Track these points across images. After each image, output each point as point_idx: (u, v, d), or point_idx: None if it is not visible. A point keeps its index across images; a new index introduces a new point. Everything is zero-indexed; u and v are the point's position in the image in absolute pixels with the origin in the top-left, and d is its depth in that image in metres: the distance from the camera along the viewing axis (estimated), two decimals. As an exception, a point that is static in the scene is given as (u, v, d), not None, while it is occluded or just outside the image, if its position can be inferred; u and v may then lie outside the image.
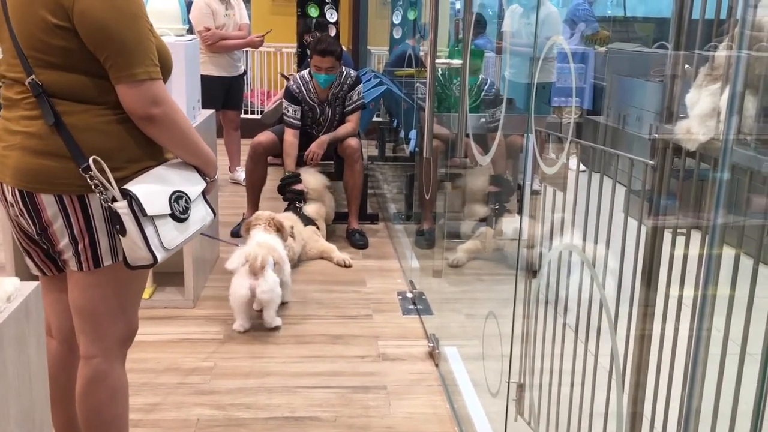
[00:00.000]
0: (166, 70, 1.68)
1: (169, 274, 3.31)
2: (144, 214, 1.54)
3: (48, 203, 1.58)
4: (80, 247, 1.60)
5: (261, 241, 3.05)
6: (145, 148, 1.63)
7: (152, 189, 1.59)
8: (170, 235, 1.61)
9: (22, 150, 1.57)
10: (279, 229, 3.30)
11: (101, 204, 1.56)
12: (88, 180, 1.53)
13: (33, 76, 1.54)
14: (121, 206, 1.54)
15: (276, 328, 3.00)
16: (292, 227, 3.64)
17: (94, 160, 1.53)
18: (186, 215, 1.65)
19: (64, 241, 1.61)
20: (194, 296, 3.21)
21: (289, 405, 2.44)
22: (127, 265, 1.60)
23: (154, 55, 1.57)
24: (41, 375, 1.38)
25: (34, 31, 1.52)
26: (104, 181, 1.53)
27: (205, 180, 1.76)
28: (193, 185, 1.70)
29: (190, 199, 1.67)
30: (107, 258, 1.63)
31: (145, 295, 3.19)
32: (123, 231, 1.55)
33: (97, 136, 1.57)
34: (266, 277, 2.87)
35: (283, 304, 3.15)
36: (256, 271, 2.86)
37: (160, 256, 1.58)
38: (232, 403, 2.44)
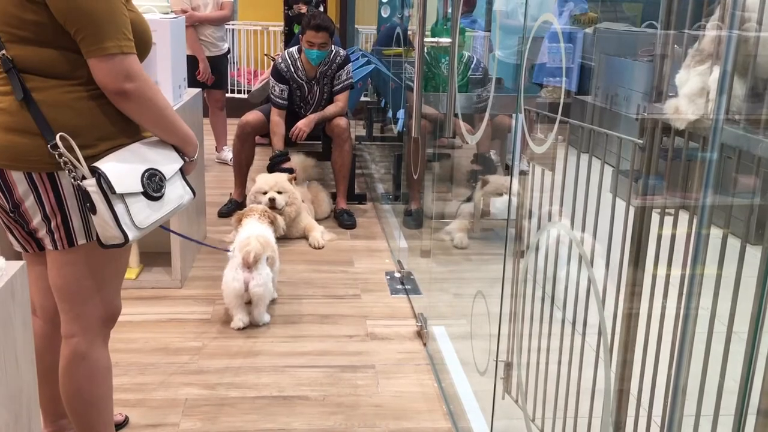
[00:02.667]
0: (144, 47, 1.66)
1: (157, 254, 3.29)
2: (113, 191, 1.52)
3: (18, 180, 1.56)
4: (53, 225, 1.59)
5: (256, 233, 2.93)
6: (118, 126, 1.61)
7: (123, 166, 1.57)
8: (143, 213, 1.59)
9: None
10: (272, 222, 3.26)
11: (71, 182, 1.55)
12: (57, 157, 1.52)
13: (3, 51, 1.52)
14: (90, 184, 1.52)
15: (264, 324, 2.88)
16: (283, 207, 3.70)
17: (61, 137, 1.51)
18: (160, 193, 1.63)
19: (36, 219, 1.60)
20: (182, 276, 3.20)
21: (278, 384, 2.45)
22: (101, 244, 1.59)
23: (128, 30, 1.54)
24: (28, 356, 1.37)
25: (5, 6, 1.51)
26: (72, 159, 1.52)
27: (184, 160, 1.74)
28: (169, 163, 1.68)
29: (164, 177, 1.64)
30: (81, 237, 1.61)
31: (132, 275, 3.17)
32: (93, 209, 1.54)
33: (67, 113, 1.55)
34: (260, 271, 2.81)
35: (272, 301, 3.04)
36: (249, 265, 2.80)
37: (132, 234, 1.56)
38: (220, 383, 2.44)
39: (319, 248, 3.77)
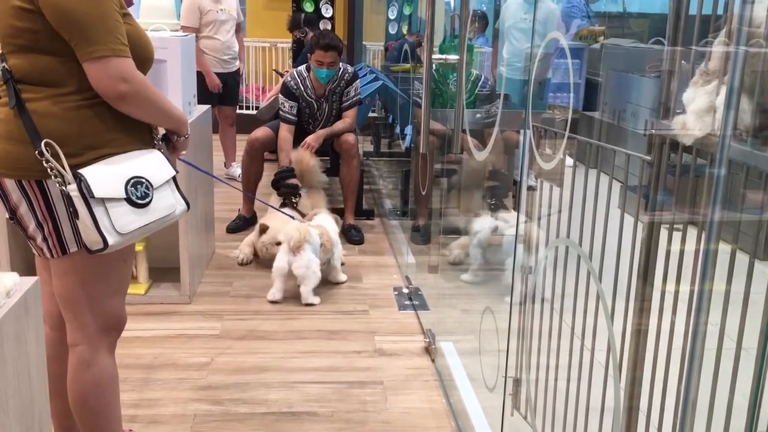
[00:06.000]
0: (144, 61, 1.70)
1: (166, 270, 3.31)
2: (91, 195, 1.55)
3: (11, 188, 1.61)
4: (46, 232, 1.63)
5: (319, 221, 3.48)
6: (106, 136, 1.64)
7: (106, 173, 1.60)
8: (124, 219, 1.60)
9: None
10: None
11: (59, 189, 1.57)
12: (44, 164, 1.54)
13: (4, 63, 1.57)
14: (72, 189, 1.55)
15: (310, 305, 3.25)
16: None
17: (47, 144, 1.54)
18: (145, 201, 1.64)
19: (31, 227, 1.64)
20: (190, 292, 3.21)
21: (287, 400, 2.45)
22: (88, 251, 1.61)
23: (121, 35, 1.57)
24: (40, 370, 1.38)
25: (6, 18, 1.55)
26: (58, 166, 1.55)
27: (179, 139, 1.83)
28: (159, 172, 1.71)
29: (151, 186, 1.67)
30: (72, 244, 1.64)
31: (141, 290, 3.19)
32: (76, 214, 1.57)
33: (56, 122, 1.58)
34: (303, 255, 3.25)
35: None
36: (294, 250, 3.24)
37: (112, 239, 1.58)
38: (229, 398, 2.44)
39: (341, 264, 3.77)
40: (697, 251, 1.31)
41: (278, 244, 3.61)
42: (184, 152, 1.91)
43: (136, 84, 1.59)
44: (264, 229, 3.67)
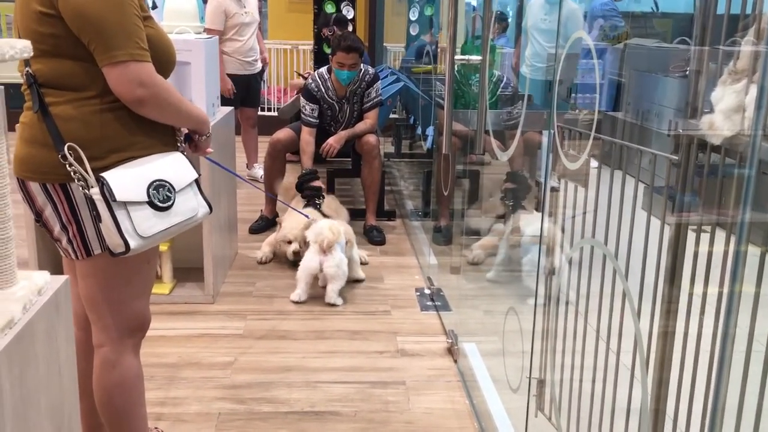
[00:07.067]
0: (166, 65, 1.72)
1: (189, 270, 3.34)
2: (113, 198, 1.56)
3: (36, 191, 1.64)
4: (70, 234, 1.65)
5: (329, 223, 3.39)
6: (128, 139, 1.65)
7: (128, 177, 1.61)
8: (146, 223, 1.61)
9: (20, 139, 1.66)
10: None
11: (83, 192, 1.59)
12: (68, 168, 1.56)
13: (28, 68, 1.59)
14: (95, 192, 1.57)
15: (333, 305, 3.26)
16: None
17: (70, 147, 1.56)
18: (167, 204, 1.65)
19: (57, 229, 1.66)
20: (214, 292, 3.24)
21: (309, 400, 2.46)
22: (111, 253, 1.63)
23: (141, 39, 1.58)
24: (70, 368, 1.40)
25: (29, 23, 1.58)
26: (81, 170, 1.57)
27: (200, 138, 1.84)
28: (181, 176, 1.72)
29: (174, 189, 1.67)
30: (96, 246, 1.66)
31: (165, 290, 3.22)
32: (99, 217, 1.59)
33: (79, 126, 1.60)
34: (334, 255, 3.27)
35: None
36: (325, 250, 3.25)
37: (134, 243, 1.59)
38: (252, 398, 2.46)
39: (365, 263, 3.79)
40: (725, 253, 1.30)
41: (289, 242, 3.65)
42: (210, 150, 1.92)
43: (154, 88, 1.59)
44: (279, 223, 3.74)
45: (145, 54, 1.58)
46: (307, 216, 3.55)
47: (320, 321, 3.10)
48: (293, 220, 3.70)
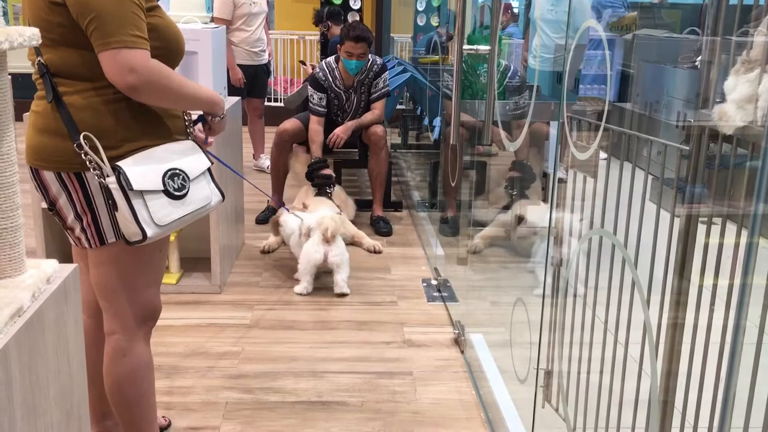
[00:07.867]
0: (175, 53, 1.71)
1: (196, 260, 3.35)
2: (130, 188, 1.56)
3: (50, 180, 1.64)
4: (84, 223, 1.66)
5: (330, 214, 3.38)
6: (142, 128, 1.65)
7: (144, 166, 1.61)
8: (162, 211, 1.62)
9: (32, 128, 1.66)
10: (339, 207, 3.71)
11: (97, 181, 1.60)
12: (83, 157, 1.57)
13: (40, 57, 1.59)
14: (111, 181, 1.57)
15: (342, 295, 3.25)
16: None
17: (85, 137, 1.56)
18: (182, 192, 1.66)
19: (71, 218, 1.67)
20: (221, 282, 3.24)
21: (316, 389, 2.46)
22: (126, 242, 1.63)
23: (137, 27, 1.56)
24: (79, 356, 1.41)
25: (38, 12, 1.58)
26: (97, 159, 1.57)
27: (213, 120, 1.82)
28: (195, 164, 1.72)
29: (188, 177, 1.68)
30: (110, 235, 1.66)
31: (173, 280, 3.23)
32: (115, 206, 1.59)
33: (93, 115, 1.60)
34: (337, 244, 3.27)
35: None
36: (328, 240, 3.23)
37: (151, 231, 1.60)
38: (259, 387, 2.47)
39: (378, 252, 3.81)
40: (736, 245, 1.29)
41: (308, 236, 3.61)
42: (211, 141, 1.89)
43: (145, 74, 1.56)
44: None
45: (139, 41, 1.56)
46: (293, 213, 3.46)
47: (327, 311, 3.10)
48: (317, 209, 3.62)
